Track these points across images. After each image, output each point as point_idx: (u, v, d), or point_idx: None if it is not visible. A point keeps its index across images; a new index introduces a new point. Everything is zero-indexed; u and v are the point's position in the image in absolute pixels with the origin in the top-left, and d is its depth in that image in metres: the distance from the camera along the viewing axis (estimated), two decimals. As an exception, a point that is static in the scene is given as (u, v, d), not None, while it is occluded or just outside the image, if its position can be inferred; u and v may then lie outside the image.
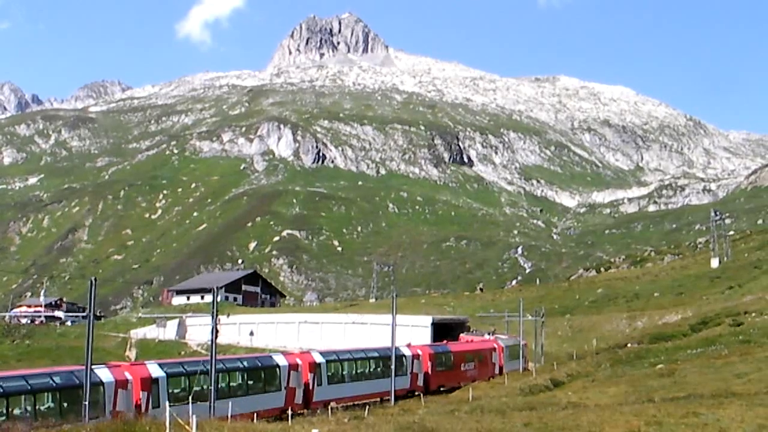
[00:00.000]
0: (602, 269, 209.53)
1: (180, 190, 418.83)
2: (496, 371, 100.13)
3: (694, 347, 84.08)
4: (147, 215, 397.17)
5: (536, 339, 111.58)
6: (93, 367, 49.53)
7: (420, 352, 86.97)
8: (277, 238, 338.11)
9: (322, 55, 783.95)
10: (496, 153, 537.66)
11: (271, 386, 67.67)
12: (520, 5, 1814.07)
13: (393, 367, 73.90)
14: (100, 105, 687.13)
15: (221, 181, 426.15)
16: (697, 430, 29.79)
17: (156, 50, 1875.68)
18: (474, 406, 57.47)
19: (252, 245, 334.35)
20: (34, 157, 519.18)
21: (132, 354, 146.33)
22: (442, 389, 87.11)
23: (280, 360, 70.07)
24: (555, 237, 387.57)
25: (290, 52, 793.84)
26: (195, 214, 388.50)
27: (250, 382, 66.53)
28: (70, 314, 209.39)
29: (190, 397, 52.07)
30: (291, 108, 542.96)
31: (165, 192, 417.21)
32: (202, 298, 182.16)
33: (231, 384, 63.90)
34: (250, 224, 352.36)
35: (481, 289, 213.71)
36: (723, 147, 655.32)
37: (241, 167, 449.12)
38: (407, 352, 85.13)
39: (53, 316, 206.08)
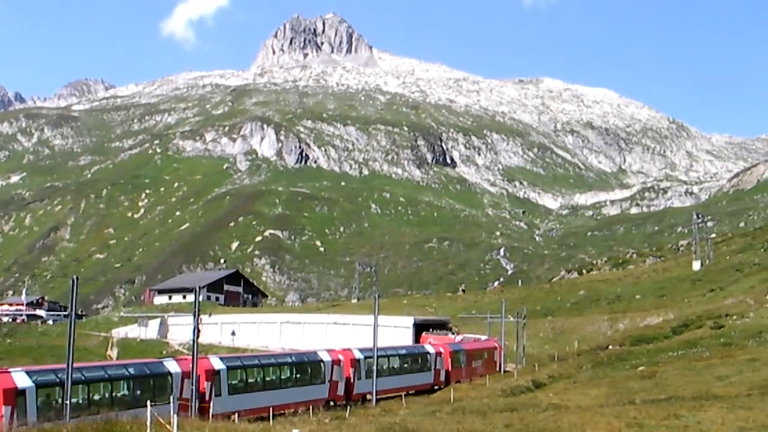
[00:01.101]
0: (584, 271, 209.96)
1: (163, 189, 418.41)
2: (497, 369, 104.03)
3: (676, 349, 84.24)
4: (129, 214, 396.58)
5: (518, 340, 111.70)
6: (162, 360, 62.94)
7: (442, 350, 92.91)
8: (259, 238, 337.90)
9: (305, 55, 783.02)
10: (479, 154, 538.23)
11: (317, 379, 73.65)
12: (505, 7, 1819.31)
13: (377, 362, 75.24)
14: (83, 103, 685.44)
15: (204, 180, 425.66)
16: (677, 432, 29.90)
17: (140, 48, 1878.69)
18: (455, 407, 57.56)
19: (234, 245, 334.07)
20: (17, 156, 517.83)
21: (113, 353, 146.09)
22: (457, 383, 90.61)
23: (325, 356, 75.66)
24: (537, 238, 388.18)
25: (274, 52, 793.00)
26: (177, 213, 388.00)
27: (298, 376, 72.80)
28: (52, 313, 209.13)
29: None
30: (274, 108, 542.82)
31: (147, 191, 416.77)
32: (184, 297, 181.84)
33: (281, 377, 70.94)
34: (232, 224, 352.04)
35: (463, 290, 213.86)
36: (706, 150, 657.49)
37: (224, 167, 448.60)
38: (431, 349, 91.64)
39: (35, 315, 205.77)
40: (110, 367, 58.24)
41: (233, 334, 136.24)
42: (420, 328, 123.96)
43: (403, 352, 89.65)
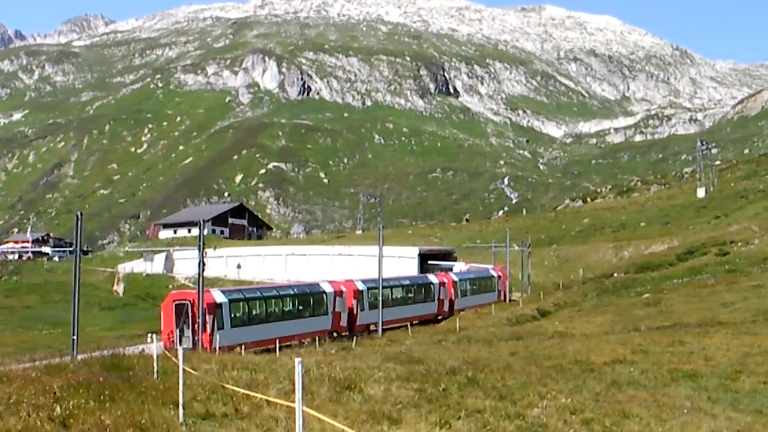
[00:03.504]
0: (588, 199, 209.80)
1: (165, 123, 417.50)
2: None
3: (680, 277, 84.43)
4: (133, 149, 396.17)
5: (523, 269, 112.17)
6: (318, 281, 79.51)
7: (500, 274, 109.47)
8: (263, 171, 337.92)
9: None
10: (482, 83, 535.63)
11: (429, 298, 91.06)
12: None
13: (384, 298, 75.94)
14: (83, 39, 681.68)
15: (206, 114, 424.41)
16: (682, 358, 29.88)
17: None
18: (461, 336, 57.80)
19: (238, 178, 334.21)
20: (18, 93, 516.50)
21: (120, 288, 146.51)
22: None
23: (434, 279, 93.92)
24: (541, 167, 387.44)
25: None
26: (181, 147, 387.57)
27: (415, 295, 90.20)
28: (58, 249, 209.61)
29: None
30: (276, 40, 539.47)
31: (150, 126, 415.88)
32: (189, 231, 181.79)
33: (404, 296, 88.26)
34: (236, 157, 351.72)
35: (468, 220, 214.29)
36: (709, 77, 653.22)
37: (226, 100, 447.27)
38: (495, 273, 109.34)
39: (40, 252, 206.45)
40: (280, 288, 75.69)
41: (239, 267, 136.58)
42: (425, 258, 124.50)
43: (476, 276, 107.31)
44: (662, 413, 19.52)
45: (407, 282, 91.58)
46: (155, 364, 22.11)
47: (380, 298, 78.64)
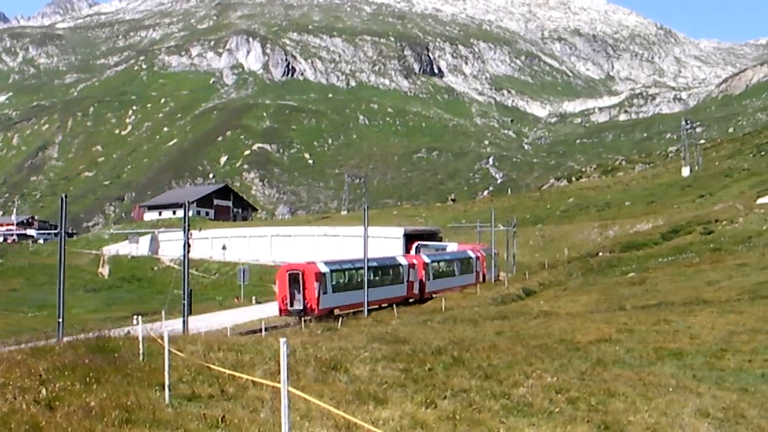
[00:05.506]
0: (573, 179, 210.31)
1: (149, 105, 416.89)
2: None
3: (666, 255, 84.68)
4: (117, 131, 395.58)
5: (508, 249, 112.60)
6: (395, 255, 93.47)
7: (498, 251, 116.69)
8: (247, 152, 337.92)
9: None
10: (467, 63, 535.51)
11: (470, 270, 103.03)
12: None
13: (368, 274, 76.01)
14: (67, 21, 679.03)
15: (191, 95, 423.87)
16: (667, 337, 29.93)
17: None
18: (446, 316, 57.75)
19: (223, 159, 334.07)
20: (2, 76, 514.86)
21: (105, 270, 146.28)
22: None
23: (471, 254, 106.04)
24: (526, 147, 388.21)
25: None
26: (165, 129, 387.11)
27: (461, 267, 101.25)
28: (43, 232, 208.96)
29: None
30: (260, 21, 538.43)
31: (134, 108, 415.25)
32: (174, 213, 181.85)
33: (455, 268, 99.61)
34: (220, 138, 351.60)
35: (453, 200, 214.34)
36: (694, 56, 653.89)
37: (211, 81, 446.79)
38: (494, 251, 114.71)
39: (25, 235, 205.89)
40: (357, 261, 79.96)
41: (224, 248, 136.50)
42: (410, 239, 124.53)
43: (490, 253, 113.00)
44: (648, 392, 19.59)
45: (452, 257, 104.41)
46: (141, 346, 22.08)
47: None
